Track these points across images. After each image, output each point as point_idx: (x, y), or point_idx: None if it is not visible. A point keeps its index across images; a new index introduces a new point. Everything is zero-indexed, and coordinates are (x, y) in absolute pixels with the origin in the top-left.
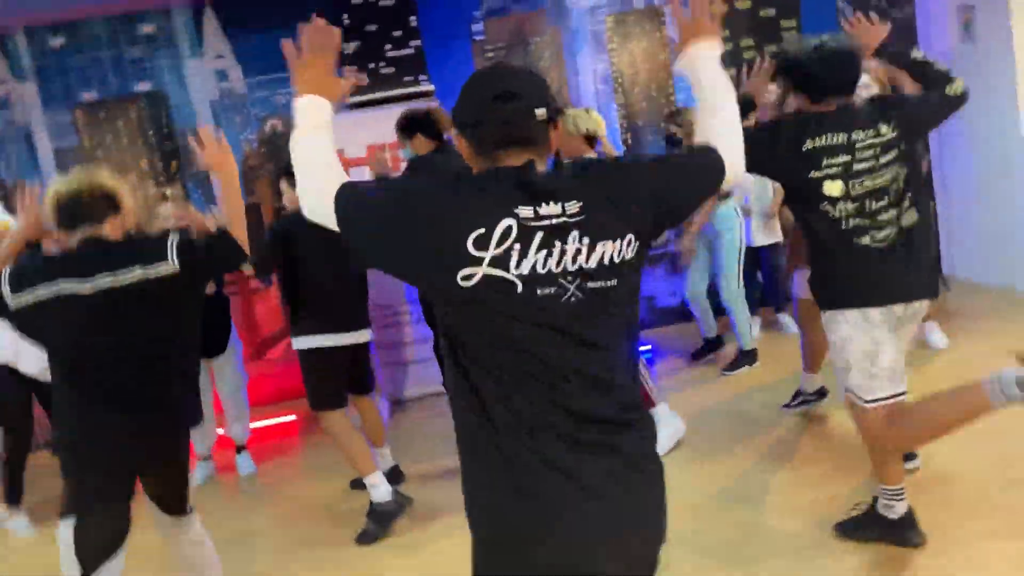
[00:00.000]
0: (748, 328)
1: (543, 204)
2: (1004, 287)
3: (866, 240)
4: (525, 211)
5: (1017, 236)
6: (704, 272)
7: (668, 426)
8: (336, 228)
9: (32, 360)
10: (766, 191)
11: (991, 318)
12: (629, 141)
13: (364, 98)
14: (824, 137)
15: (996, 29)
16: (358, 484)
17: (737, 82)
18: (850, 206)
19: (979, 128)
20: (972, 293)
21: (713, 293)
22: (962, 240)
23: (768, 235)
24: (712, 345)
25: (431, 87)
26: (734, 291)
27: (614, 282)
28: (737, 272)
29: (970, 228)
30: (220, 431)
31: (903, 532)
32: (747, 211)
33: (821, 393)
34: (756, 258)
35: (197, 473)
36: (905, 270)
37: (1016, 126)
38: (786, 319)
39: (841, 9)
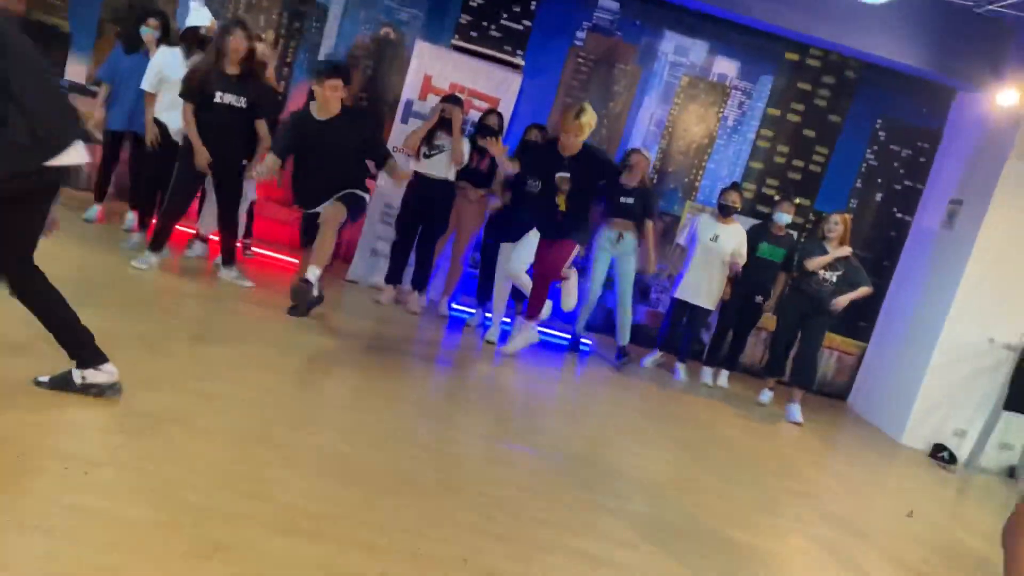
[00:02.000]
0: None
1: None
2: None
3: None
4: None
5: (912, 395)
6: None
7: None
8: None
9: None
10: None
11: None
12: (654, 180)
13: (466, 45)
14: None
15: (971, 221)
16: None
17: None
18: None
19: (924, 297)
20: (860, 425)
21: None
22: (870, 382)
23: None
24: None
25: (522, 62)
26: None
27: None
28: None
29: (881, 373)
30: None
31: None
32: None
33: None
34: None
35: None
36: None
37: (948, 304)
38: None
39: (868, 158)
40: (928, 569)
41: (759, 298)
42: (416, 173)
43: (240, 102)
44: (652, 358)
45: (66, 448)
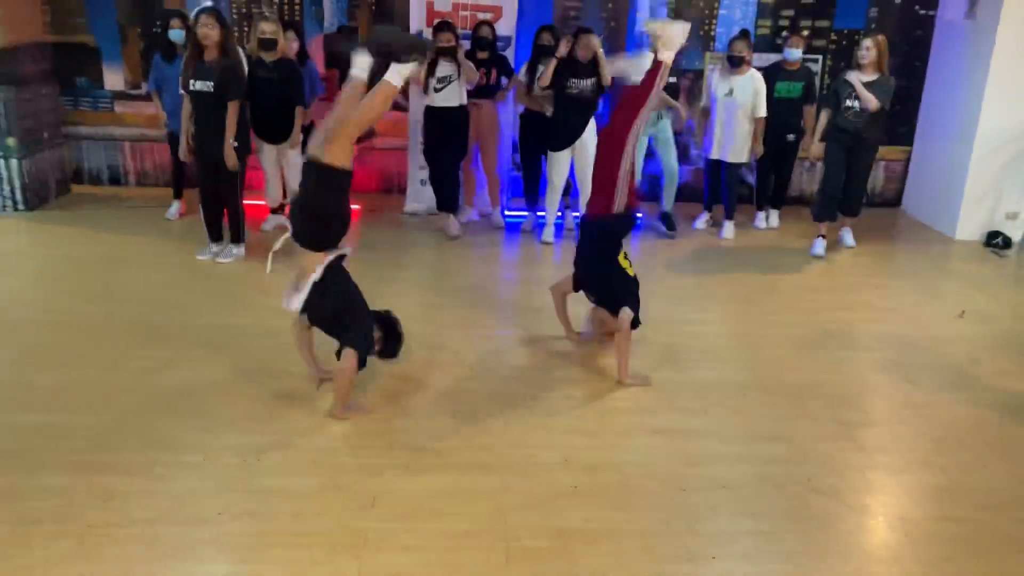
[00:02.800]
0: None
1: None
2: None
3: None
4: None
5: (960, 189)
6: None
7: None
8: None
9: None
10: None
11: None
12: None
13: None
14: None
15: (991, 7)
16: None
17: None
18: None
19: (958, 91)
20: (915, 228)
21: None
22: (920, 182)
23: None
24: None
25: None
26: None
27: None
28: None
29: (929, 173)
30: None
31: None
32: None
33: None
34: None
35: (269, 222)
36: None
37: (980, 94)
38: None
39: None
40: (974, 368)
41: (790, 136)
42: (431, 107)
43: (208, 87)
44: (703, 219)
45: (234, 442)
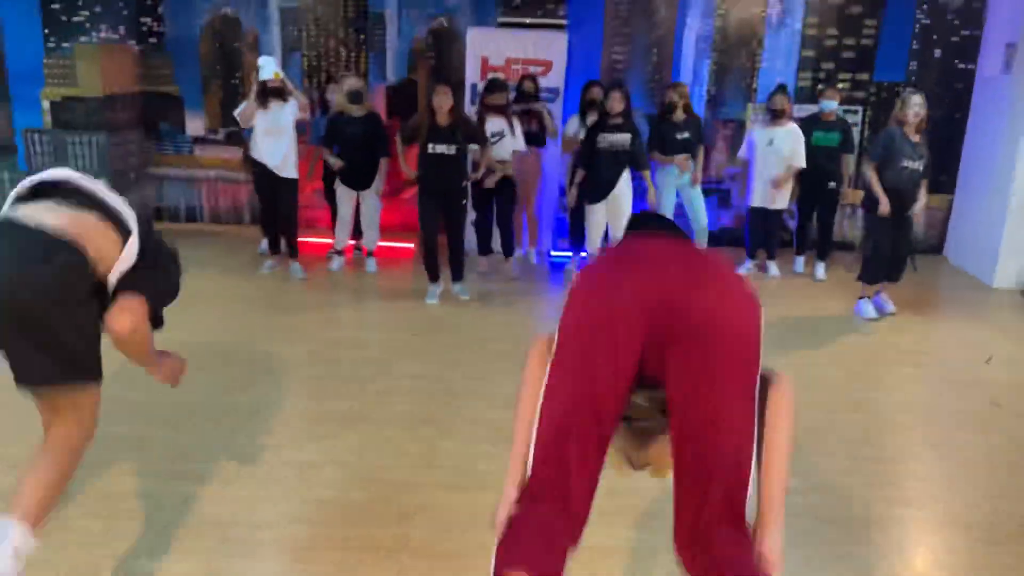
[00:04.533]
0: None
1: None
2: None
3: None
4: None
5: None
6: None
7: None
8: None
9: None
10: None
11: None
12: (713, 91)
13: (511, 20)
14: None
15: None
16: None
17: None
18: None
19: (996, 143)
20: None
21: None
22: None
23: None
24: None
25: (564, 21)
26: None
27: None
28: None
29: (969, 221)
30: (352, 241)
31: None
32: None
33: None
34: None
35: (334, 263)
36: None
37: (1016, 146)
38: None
39: (919, 19)
40: (990, 413)
41: (831, 184)
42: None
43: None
44: (747, 266)
45: (294, 457)
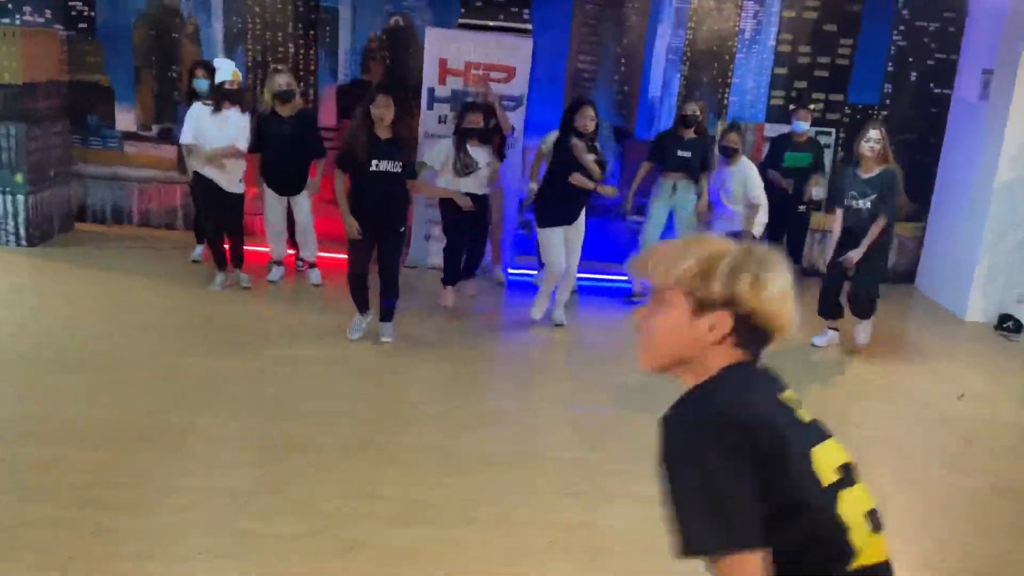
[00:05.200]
0: None
1: None
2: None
3: None
4: None
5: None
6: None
7: None
8: None
9: None
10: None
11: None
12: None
13: (473, 21)
14: None
15: (1003, 90)
16: None
17: None
18: None
19: (971, 171)
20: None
21: None
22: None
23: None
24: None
25: (529, 25)
26: None
27: None
28: None
29: (941, 251)
30: (291, 251)
31: None
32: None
33: None
34: None
35: (273, 273)
36: None
37: (992, 174)
38: None
39: (895, 40)
40: (962, 450)
41: (801, 208)
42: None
43: None
44: None
45: (226, 484)
